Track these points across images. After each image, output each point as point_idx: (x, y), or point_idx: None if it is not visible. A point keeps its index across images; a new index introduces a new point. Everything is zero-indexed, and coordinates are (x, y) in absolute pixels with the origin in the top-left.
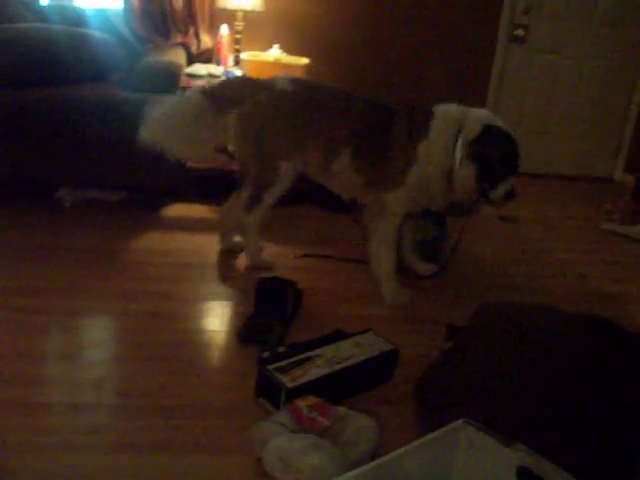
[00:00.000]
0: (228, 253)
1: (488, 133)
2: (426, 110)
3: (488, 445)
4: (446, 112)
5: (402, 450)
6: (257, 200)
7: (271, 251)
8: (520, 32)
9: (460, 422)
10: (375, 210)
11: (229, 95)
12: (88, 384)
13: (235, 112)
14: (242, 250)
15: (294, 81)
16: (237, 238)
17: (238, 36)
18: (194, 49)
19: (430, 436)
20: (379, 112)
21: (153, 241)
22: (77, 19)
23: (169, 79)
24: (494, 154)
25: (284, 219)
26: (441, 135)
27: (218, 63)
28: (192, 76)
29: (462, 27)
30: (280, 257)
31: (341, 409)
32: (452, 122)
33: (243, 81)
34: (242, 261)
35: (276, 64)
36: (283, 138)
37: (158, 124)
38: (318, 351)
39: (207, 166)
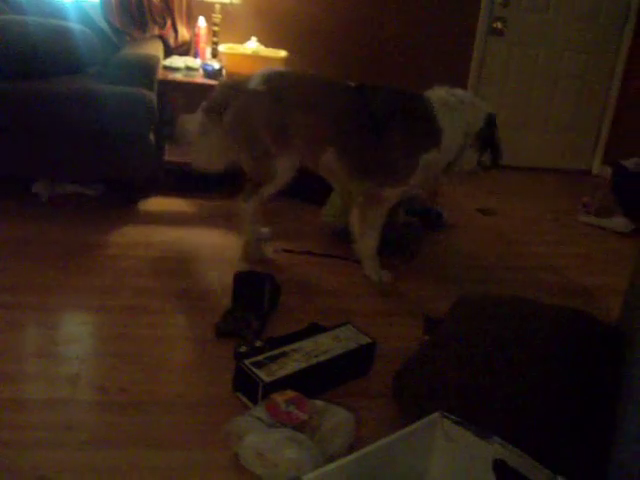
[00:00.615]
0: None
1: (488, 122)
2: (420, 98)
3: (464, 438)
4: (444, 103)
5: (379, 443)
6: (254, 192)
7: None
8: (499, 25)
9: (436, 415)
10: (366, 199)
11: (217, 105)
12: (64, 380)
13: (223, 119)
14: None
15: (268, 79)
16: (264, 228)
17: (216, 28)
18: (172, 42)
19: (407, 429)
20: (366, 105)
21: (131, 235)
22: (54, 11)
23: (146, 72)
24: (495, 136)
25: (264, 212)
26: (451, 134)
27: (196, 56)
28: (169, 69)
29: (442, 19)
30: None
31: (319, 403)
32: (458, 118)
33: (225, 87)
34: (219, 255)
35: (254, 57)
36: (265, 139)
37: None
38: (295, 345)
39: (185, 159)
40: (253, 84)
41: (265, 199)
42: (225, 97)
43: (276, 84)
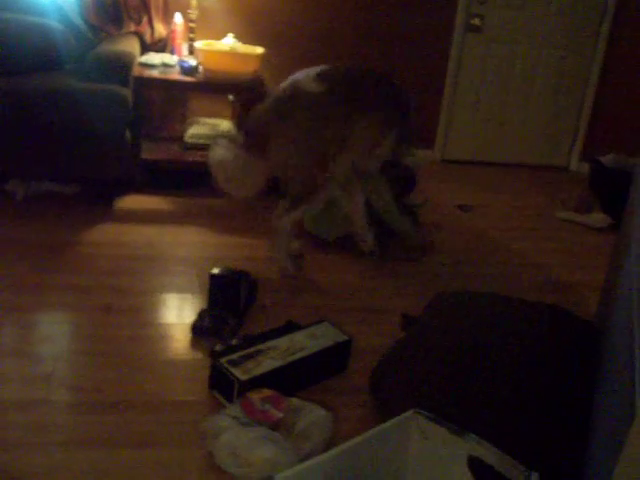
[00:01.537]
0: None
1: None
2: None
3: (439, 435)
4: None
5: (354, 441)
6: (293, 208)
7: (228, 241)
8: (476, 21)
9: (411, 412)
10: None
11: (260, 137)
12: (39, 380)
13: (273, 139)
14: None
15: (324, 77)
16: (296, 243)
17: (192, 25)
18: (148, 38)
19: (382, 426)
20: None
21: (107, 233)
22: (29, 8)
23: (121, 68)
24: None
25: (242, 209)
26: None
27: (172, 52)
28: (146, 65)
29: (420, 15)
30: (236, 248)
31: (295, 401)
32: None
33: (266, 112)
34: (196, 253)
35: (231, 53)
36: (328, 142)
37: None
38: (271, 343)
39: (160, 157)
40: (312, 86)
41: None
42: (268, 124)
43: (334, 82)
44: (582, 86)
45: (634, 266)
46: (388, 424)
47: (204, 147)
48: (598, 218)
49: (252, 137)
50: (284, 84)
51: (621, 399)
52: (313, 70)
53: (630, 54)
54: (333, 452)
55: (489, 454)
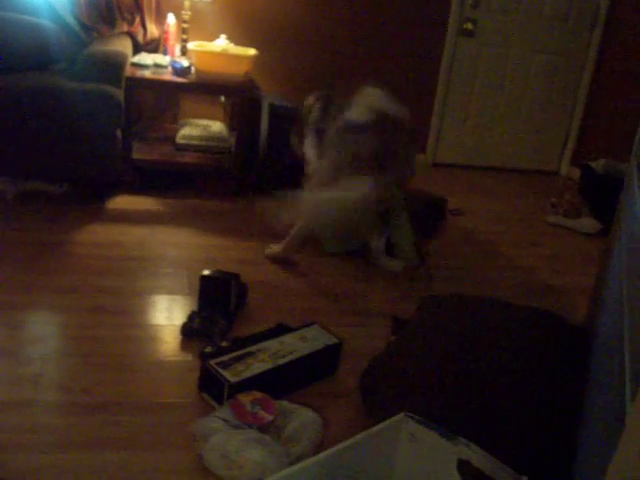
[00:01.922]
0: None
1: None
2: None
3: (429, 438)
4: None
5: (343, 444)
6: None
7: (218, 243)
8: (469, 26)
9: (401, 415)
10: None
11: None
12: (27, 381)
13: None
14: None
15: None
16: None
17: (185, 25)
18: (140, 38)
19: (371, 430)
20: None
21: (96, 234)
22: (21, 6)
23: (114, 69)
24: None
25: (233, 210)
26: None
27: (165, 53)
28: (138, 66)
29: (412, 19)
30: (226, 250)
31: (285, 403)
32: None
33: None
34: (186, 254)
35: (223, 54)
36: None
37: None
38: (262, 345)
39: (151, 158)
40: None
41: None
42: (394, 144)
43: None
44: (573, 91)
45: (623, 272)
46: (378, 427)
47: (195, 148)
48: (587, 223)
49: (370, 162)
50: (363, 111)
51: (611, 404)
52: (381, 97)
53: (621, 60)
54: (323, 455)
55: (478, 457)
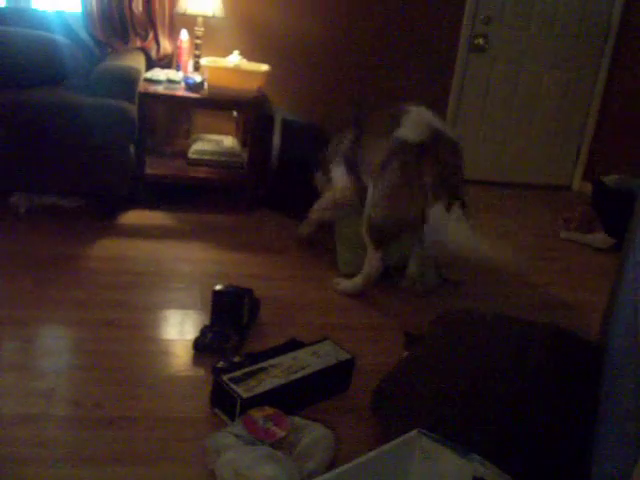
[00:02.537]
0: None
1: None
2: None
3: (443, 456)
4: None
5: (357, 461)
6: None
7: (230, 258)
8: (480, 41)
9: (414, 432)
10: None
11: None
12: (39, 394)
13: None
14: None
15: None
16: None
17: (198, 41)
18: (154, 54)
19: (385, 447)
20: None
21: (109, 248)
22: (36, 22)
23: (127, 84)
24: None
25: (245, 225)
26: None
27: (178, 68)
28: (151, 81)
29: (424, 34)
30: (238, 265)
31: (297, 419)
32: None
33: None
34: (198, 269)
35: (236, 70)
36: None
37: None
38: (274, 361)
39: (165, 172)
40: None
41: None
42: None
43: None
44: (585, 106)
45: (636, 287)
46: (391, 444)
47: (208, 163)
48: (600, 238)
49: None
50: (417, 129)
51: (624, 422)
52: (431, 116)
53: (633, 75)
54: (336, 472)
55: (493, 476)
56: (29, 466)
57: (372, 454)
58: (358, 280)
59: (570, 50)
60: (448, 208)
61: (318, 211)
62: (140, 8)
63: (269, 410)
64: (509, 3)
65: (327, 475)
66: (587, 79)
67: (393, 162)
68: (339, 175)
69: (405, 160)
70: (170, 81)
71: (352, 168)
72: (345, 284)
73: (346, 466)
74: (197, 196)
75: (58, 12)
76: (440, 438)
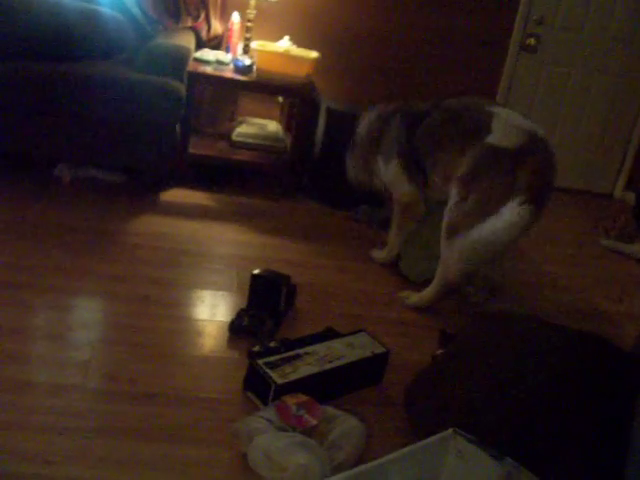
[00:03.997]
0: None
1: None
2: None
3: (477, 457)
4: None
5: (391, 456)
6: None
7: (269, 242)
8: (532, 41)
9: (450, 432)
10: None
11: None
12: (74, 365)
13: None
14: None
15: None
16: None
17: (249, 24)
18: (204, 34)
19: (418, 444)
20: None
21: (149, 225)
22: None
23: (177, 63)
24: None
25: (285, 211)
26: None
27: (227, 50)
28: (200, 61)
29: (476, 31)
30: (276, 250)
31: (329, 409)
32: None
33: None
34: (237, 252)
35: (285, 55)
36: None
37: None
38: (309, 349)
39: (208, 153)
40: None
41: None
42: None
43: None
44: (633, 114)
45: None
46: (426, 441)
47: (251, 146)
48: None
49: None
50: (511, 133)
51: None
52: (520, 117)
53: None
54: (369, 466)
55: None
56: (63, 435)
57: (405, 450)
58: (429, 292)
59: (622, 55)
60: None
61: (396, 237)
62: None
63: (303, 398)
64: (564, 3)
65: (361, 468)
66: (637, 87)
67: (488, 171)
68: (396, 174)
69: (502, 168)
70: (219, 62)
71: (411, 167)
72: (414, 298)
73: (380, 460)
74: (238, 179)
75: None
76: (475, 439)
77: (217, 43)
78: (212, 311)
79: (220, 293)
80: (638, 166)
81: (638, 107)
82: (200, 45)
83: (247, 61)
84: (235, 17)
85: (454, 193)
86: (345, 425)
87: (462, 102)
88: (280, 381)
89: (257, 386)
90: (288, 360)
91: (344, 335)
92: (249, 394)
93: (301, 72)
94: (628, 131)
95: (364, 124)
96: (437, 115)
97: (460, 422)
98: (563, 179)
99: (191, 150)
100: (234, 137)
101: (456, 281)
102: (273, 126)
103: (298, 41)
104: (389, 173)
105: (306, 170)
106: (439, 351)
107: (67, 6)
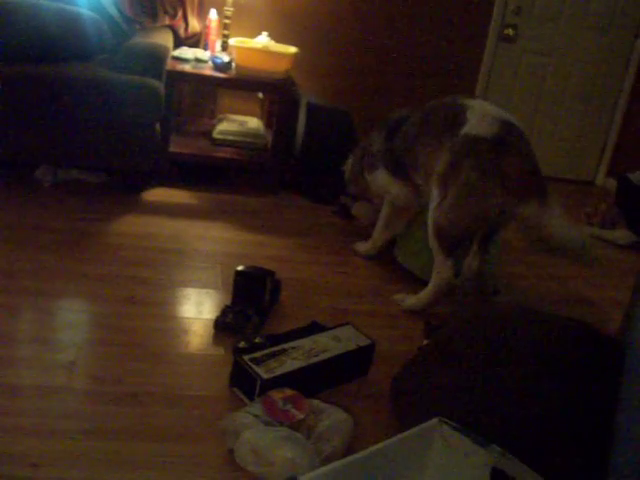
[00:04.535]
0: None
1: None
2: None
3: (463, 445)
4: None
5: (376, 447)
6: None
7: (253, 239)
8: (510, 31)
9: (435, 421)
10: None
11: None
12: (60, 367)
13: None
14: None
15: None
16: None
17: (227, 21)
18: (182, 32)
19: (405, 433)
20: None
21: (132, 225)
22: None
23: (155, 61)
24: None
25: (268, 208)
26: None
27: (205, 48)
28: (178, 59)
29: (453, 23)
30: (260, 246)
31: (316, 402)
32: None
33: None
34: (221, 249)
35: (264, 51)
36: None
37: None
38: (295, 343)
39: (189, 151)
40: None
41: None
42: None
43: None
44: (612, 101)
45: None
46: (412, 431)
47: (232, 144)
48: (623, 235)
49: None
50: (487, 122)
51: None
52: (496, 108)
53: None
54: (356, 457)
55: (513, 466)
56: (50, 437)
57: (393, 440)
58: (426, 294)
59: (599, 44)
60: (542, 203)
61: (382, 232)
62: None
63: (289, 392)
64: None
65: (347, 459)
66: (616, 73)
67: (465, 161)
68: (385, 181)
69: (481, 157)
70: (198, 60)
71: (398, 172)
72: (411, 300)
73: (366, 451)
74: (220, 176)
75: None
76: (461, 427)
77: (195, 41)
78: (197, 309)
79: (205, 291)
80: (619, 153)
81: (617, 94)
82: (178, 43)
83: (226, 58)
84: (212, 14)
85: (435, 194)
86: (332, 418)
87: (440, 101)
88: (266, 376)
89: (243, 382)
90: (274, 355)
91: (329, 328)
92: (235, 390)
93: (280, 68)
94: (608, 119)
95: (366, 139)
96: (415, 117)
97: (446, 411)
98: (544, 168)
99: (172, 149)
100: (215, 135)
101: (450, 277)
102: (254, 123)
103: (276, 37)
104: (377, 183)
105: (288, 166)
106: (424, 342)
107: (44, 7)
